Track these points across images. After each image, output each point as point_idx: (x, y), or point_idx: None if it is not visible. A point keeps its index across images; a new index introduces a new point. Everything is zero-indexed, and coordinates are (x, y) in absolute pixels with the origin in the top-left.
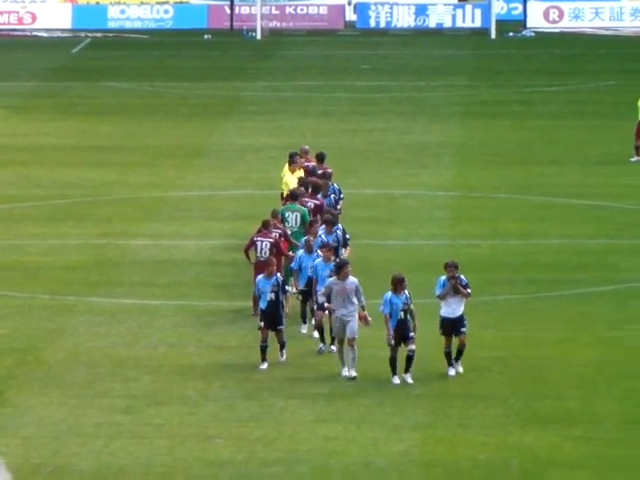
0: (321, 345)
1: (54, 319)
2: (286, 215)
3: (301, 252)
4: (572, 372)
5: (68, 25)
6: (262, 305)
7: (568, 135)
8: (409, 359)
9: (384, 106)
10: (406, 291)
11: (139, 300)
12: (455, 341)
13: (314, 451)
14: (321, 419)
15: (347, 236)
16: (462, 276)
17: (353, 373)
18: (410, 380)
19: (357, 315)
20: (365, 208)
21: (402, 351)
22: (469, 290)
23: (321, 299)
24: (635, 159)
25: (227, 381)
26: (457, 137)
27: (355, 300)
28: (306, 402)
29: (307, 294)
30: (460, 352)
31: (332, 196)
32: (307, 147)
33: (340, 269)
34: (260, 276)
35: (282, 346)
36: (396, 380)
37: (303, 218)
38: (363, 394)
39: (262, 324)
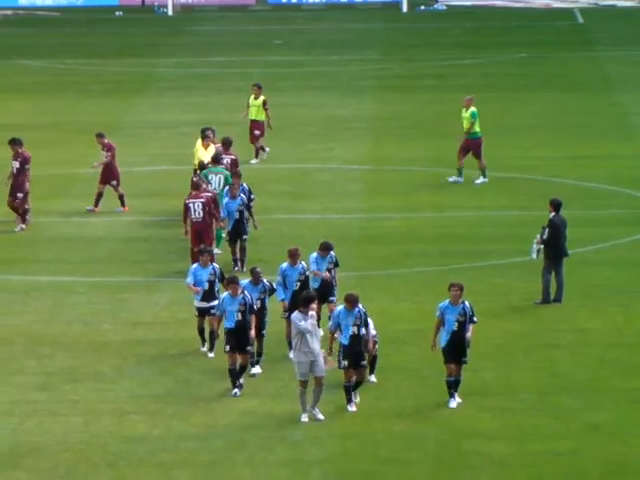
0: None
1: None
2: (209, 177)
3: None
4: (488, 343)
5: None
6: (228, 324)
7: (481, 108)
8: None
9: (297, 81)
10: (466, 302)
11: (53, 277)
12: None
13: (230, 426)
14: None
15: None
16: (467, 303)
17: (320, 416)
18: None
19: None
20: (279, 183)
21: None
22: (475, 319)
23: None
24: (254, 161)
25: (142, 357)
26: (371, 111)
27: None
28: (222, 377)
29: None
30: (457, 382)
31: (242, 195)
32: (214, 128)
33: (306, 302)
34: (225, 294)
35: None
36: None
37: (226, 180)
38: (279, 369)
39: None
